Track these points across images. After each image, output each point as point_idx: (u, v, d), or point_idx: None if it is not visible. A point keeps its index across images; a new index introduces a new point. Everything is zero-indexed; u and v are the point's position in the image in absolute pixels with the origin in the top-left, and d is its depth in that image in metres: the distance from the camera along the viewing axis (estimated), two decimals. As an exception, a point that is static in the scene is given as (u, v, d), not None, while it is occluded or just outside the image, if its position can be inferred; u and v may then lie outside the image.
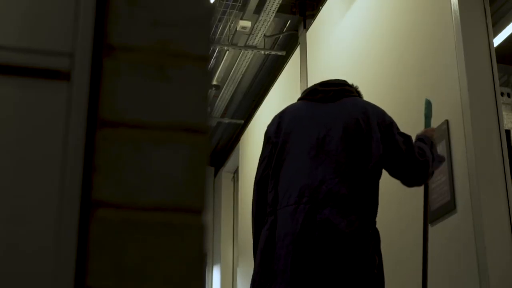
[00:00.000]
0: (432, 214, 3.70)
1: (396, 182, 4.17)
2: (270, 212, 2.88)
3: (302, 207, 2.74)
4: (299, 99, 3.15)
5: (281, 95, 6.84)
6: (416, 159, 2.94)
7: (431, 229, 3.70)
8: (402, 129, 4.29)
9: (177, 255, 0.98)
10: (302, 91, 5.79)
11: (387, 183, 4.26)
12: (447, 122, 3.68)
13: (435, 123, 3.79)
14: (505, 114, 4.42)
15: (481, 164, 3.42)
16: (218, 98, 7.71)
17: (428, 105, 3.45)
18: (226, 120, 8.32)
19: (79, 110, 1.00)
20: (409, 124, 4.13)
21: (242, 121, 8.26)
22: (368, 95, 4.79)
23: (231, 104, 8.04)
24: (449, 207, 3.51)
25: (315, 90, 3.07)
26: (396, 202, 4.15)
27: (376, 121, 2.93)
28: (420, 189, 3.85)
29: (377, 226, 4.44)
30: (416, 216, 3.89)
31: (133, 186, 0.99)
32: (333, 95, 3.01)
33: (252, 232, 2.99)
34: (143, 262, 0.97)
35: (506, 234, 3.33)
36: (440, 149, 3.69)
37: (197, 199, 1.00)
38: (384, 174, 4.18)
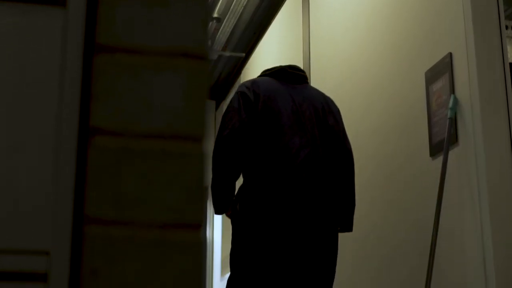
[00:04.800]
0: (434, 147, 3.71)
1: (395, 116, 4.17)
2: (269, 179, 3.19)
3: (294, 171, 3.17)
4: (264, 75, 3.50)
5: (283, 28, 6.78)
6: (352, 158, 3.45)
7: (432, 162, 3.70)
8: (404, 62, 4.25)
9: (176, 183, 0.97)
10: (304, 25, 5.69)
11: (384, 117, 4.26)
12: (450, 54, 3.65)
13: (438, 55, 3.76)
14: (509, 48, 4.38)
15: (484, 97, 3.40)
16: (219, 31, 7.62)
17: (454, 100, 3.57)
18: (227, 54, 8.24)
19: (75, 35, 0.98)
20: (409, 55, 4.10)
21: (244, 54, 8.19)
22: (369, 25, 4.74)
23: (232, 37, 7.95)
24: (451, 140, 3.51)
25: (285, 71, 3.49)
26: (395, 137, 4.15)
27: (335, 111, 3.48)
28: (420, 124, 3.84)
29: (379, 159, 4.44)
30: (415, 147, 3.89)
31: (131, 113, 0.97)
32: (298, 78, 3.51)
33: (220, 188, 3.22)
34: (142, 190, 0.96)
35: (507, 166, 3.34)
36: (443, 81, 3.67)
37: (196, 126, 0.98)
38: (378, 107, 4.17)
